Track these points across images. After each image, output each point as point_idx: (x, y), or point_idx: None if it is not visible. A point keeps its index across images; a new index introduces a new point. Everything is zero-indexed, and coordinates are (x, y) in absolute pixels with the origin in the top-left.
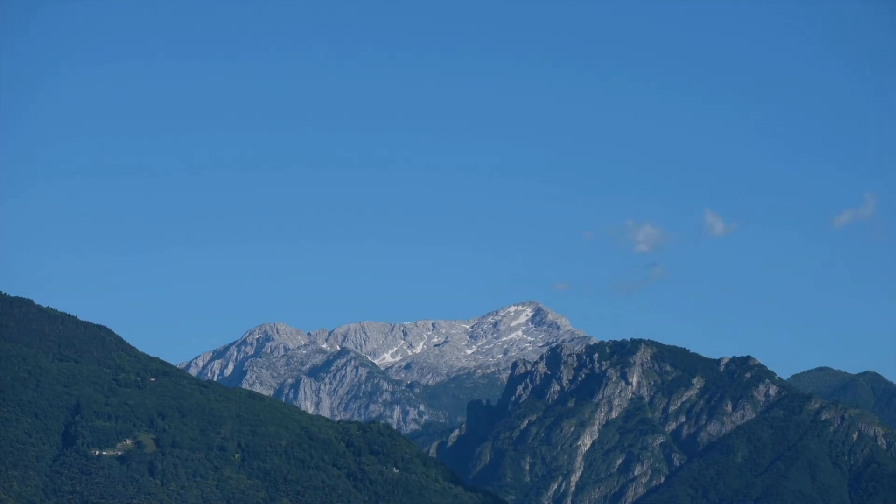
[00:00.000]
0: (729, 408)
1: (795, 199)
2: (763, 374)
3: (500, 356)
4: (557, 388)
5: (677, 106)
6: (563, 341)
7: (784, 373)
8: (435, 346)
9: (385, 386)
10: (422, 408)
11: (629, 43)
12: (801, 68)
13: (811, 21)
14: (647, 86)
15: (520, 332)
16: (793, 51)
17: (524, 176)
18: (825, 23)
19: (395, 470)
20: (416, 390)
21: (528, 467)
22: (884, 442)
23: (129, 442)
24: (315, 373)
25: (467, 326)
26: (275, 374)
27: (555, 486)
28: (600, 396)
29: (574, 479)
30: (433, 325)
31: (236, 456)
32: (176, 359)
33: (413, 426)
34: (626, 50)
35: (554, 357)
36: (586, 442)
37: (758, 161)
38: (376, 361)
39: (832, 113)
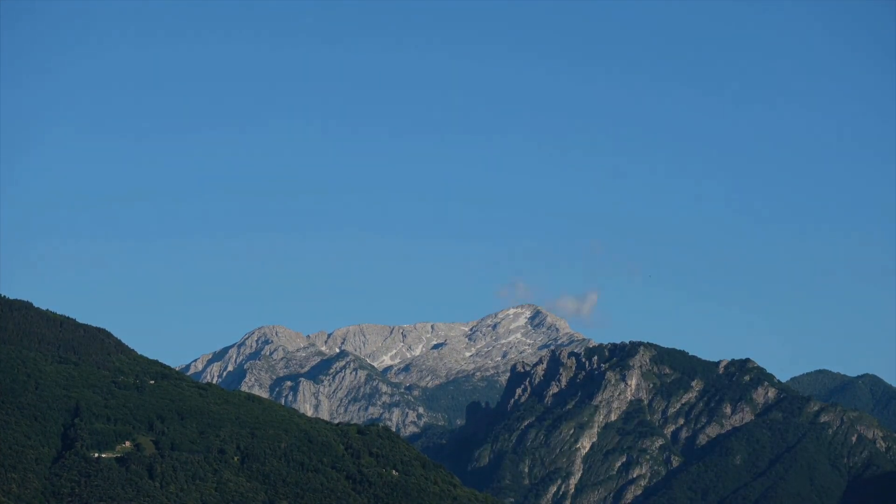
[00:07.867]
0: (728, 410)
1: (796, 199)
2: (762, 376)
3: (499, 358)
4: (556, 390)
5: (676, 105)
6: (562, 344)
7: (783, 375)
8: (434, 348)
9: (384, 388)
10: (421, 410)
11: (630, 39)
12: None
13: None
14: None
15: (518, 335)
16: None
17: (525, 176)
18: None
19: (394, 472)
20: (415, 392)
21: (527, 470)
22: (883, 444)
23: (128, 444)
24: (314, 375)
25: (466, 329)
26: (274, 377)
27: (554, 489)
28: (599, 399)
29: (573, 481)
30: (432, 327)
31: (235, 458)
32: (175, 361)
33: (412, 428)
34: (626, 46)
35: (553, 359)
36: (585, 444)
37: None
38: (375, 364)
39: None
